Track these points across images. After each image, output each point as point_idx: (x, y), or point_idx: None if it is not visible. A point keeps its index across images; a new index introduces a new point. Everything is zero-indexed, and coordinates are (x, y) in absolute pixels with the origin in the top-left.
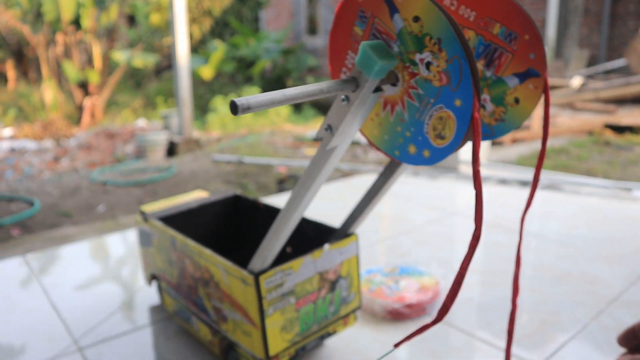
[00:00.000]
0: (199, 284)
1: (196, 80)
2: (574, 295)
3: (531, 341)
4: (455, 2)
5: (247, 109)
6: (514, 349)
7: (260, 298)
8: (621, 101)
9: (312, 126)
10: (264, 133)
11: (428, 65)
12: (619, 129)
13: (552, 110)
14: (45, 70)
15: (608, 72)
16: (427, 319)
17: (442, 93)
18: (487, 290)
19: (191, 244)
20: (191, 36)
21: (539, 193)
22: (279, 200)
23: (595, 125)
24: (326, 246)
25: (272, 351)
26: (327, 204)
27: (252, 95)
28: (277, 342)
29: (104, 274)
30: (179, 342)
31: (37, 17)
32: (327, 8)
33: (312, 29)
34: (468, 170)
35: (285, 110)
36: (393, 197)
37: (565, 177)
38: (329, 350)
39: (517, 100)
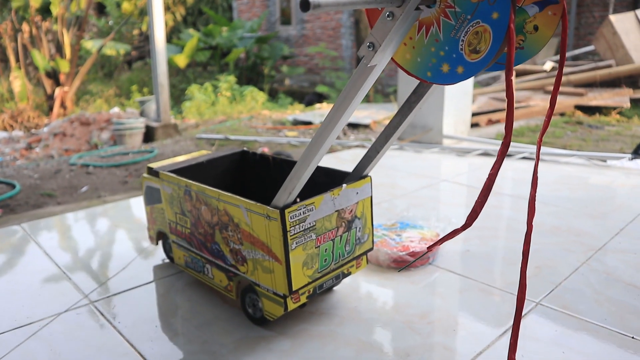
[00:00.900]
0: (215, 229)
1: (171, 69)
2: (565, 245)
3: (530, 282)
4: None
5: (318, 6)
6: (515, 289)
7: (285, 232)
8: (590, 84)
9: (290, 112)
10: (243, 118)
11: None
12: (589, 110)
13: (526, 93)
14: (12, 59)
15: (575, 58)
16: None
17: (480, 8)
18: (484, 242)
19: (209, 188)
20: (165, 24)
21: (522, 163)
22: None
23: (566, 107)
24: (344, 185)
25: (295, 285)
26: None
27: None
28: (300, 277)
29: (104, 239)
30: (192, 293)
31: (4, 4)
32: None
33: (285, 20)
34: (451, 143)
35: (262, 96)
36: (382, 168)
37: (546, 149)
38: (338, 296)
39: (535, 28)
